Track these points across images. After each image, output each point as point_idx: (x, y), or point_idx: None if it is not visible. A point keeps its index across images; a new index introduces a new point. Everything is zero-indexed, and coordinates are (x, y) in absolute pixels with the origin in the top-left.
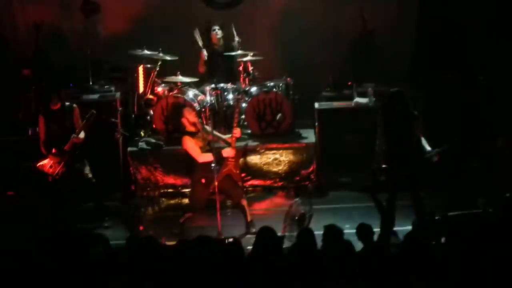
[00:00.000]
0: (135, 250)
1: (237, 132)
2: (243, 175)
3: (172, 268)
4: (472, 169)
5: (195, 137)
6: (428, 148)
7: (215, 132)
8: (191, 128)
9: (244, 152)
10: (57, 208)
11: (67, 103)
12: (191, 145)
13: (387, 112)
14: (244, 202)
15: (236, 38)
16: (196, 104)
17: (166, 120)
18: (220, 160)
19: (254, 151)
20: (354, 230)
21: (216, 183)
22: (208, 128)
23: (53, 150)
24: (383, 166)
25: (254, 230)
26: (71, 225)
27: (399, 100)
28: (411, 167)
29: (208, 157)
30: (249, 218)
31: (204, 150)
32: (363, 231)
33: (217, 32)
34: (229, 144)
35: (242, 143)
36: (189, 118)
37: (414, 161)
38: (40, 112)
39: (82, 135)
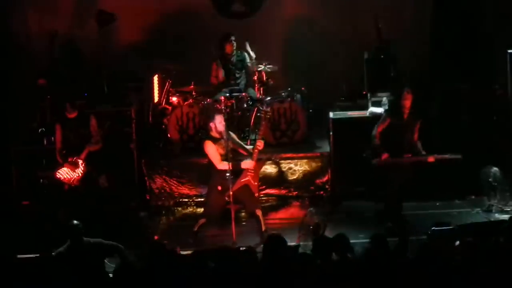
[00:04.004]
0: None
1: (260, 144)
2: (258, 184)
3: (188, 278)
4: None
5: (217, 143)
6: (423, 152)
7: (239, 141)
8: (215, 134)
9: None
10: (72, 217)
11: (84, 112)
12: (212, 151)
13: (388, 114)
14: (259, 212)
15: (252, 54)
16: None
17: (180, 129)
18: (238, 170)
19: (268, 160)
20: (368, 240)
21: (231, 192)
22: (233, 135)
23: (69, 159)
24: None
25: None
26: (87, 234)
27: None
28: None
29: (226, 165)
30: (263, 228)
31: (224, 158)
32: (379, 241)
33: (233, 43)
34: (250, 155)
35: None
36: (218, 126)
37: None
38: (56, 121)
39: (97, 144)
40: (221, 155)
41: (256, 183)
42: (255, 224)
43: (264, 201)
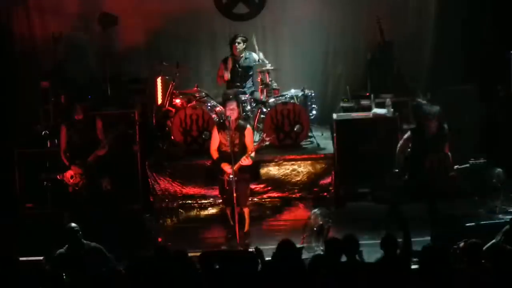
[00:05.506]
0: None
1: (244, 160)
2: (262, 185)
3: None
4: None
5: (224, 131)
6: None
7: (248, 139)
8: (228, 122)
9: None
10: (76, 219)
11: (90, 114)
12: (213, 136)
13: (419, 124)
14: (246, 211)
15: (260, 55)
16: (214, 116)
17: (184, 131)
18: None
19: (272, 162)
20: (372, 241)
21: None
22: (248, 130)
23: (77, 162)
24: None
25: (247, 242)
26: (89, 236)
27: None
28: (433, 180)
29: (214, 155)
30: (246, 228)
31: (228, 146)
32: (388, 242)
33: (239, 45)
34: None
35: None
36: (226, 112)
37: (437, 175)
38: (62, 122)
39: (106, 147)
40: (222, 144)
41: (226, 188)
42: (257, 226)
43: (267, 202)
